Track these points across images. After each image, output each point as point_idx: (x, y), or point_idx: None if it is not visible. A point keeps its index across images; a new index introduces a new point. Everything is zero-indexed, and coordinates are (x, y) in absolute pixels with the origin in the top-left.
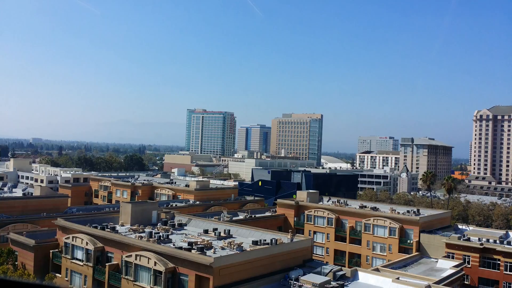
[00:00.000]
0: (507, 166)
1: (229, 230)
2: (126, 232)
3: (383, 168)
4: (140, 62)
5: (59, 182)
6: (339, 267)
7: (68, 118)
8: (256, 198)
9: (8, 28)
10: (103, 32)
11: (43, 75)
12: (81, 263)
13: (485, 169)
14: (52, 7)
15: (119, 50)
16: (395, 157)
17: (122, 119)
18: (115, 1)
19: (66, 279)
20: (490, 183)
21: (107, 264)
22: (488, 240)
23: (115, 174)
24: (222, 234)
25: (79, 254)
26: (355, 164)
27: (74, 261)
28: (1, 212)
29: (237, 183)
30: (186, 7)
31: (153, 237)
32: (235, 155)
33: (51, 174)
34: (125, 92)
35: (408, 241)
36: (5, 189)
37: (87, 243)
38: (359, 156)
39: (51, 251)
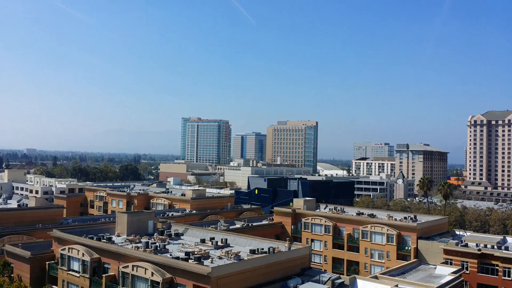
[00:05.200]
0: (503, 171)
1: (226, 239)
2: (122, 242)
3: (379, 174)
4: (134, 71)
5: (54, 192)
6: (338, 275)
7: (62, 128)
8: (252, 206)
9: (1, 39)
10: (97, 42)
11: (37, 85)
12: (78, 275)
13: (481, 175)
14: (46, 17)
15: (113, 59)
16: (391, 163)
17: (117, 129)
18: (108, 11)
19: None
20: (486, 188)
21: (103, 275)
22: (486, 246)
23: (111, 184)
24: (219, 243)
25: (76, 266)
26: (351, 171)
27: (70, 272)
28: None
29: (233, 191)
30: (180, 15)
31: (149, 247)
32: (231, 163)
33: (46, 185)
34: (119, 102)
35: (406, 247)
36: (0, 200)
37: (83, 254)
38: (355, 162)
39: (47, 262)
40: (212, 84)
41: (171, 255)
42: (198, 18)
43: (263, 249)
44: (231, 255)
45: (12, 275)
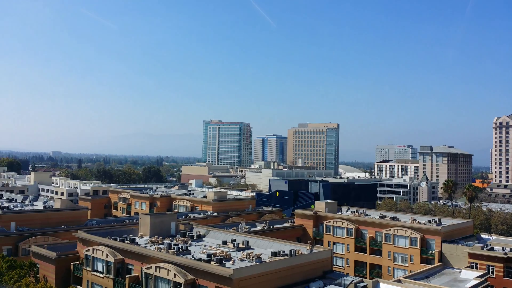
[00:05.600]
0: None
1: (248, 241)
2: (145, 244)
3: (402, 177)
4: (156, 74)
5: (79, 194)
6: (360, 278)
7: (86, 131)
8: (274, 208)
9: (27, 44)
10: (119, 46)
11: (62, 90)
12: (102, 275)
13: (507, 177)
14: (70, 22)
15: (135, 63)
16: (414, 166)
17: (140, 132)
18: (131, 16)
19: None
20: None
21: (127, 276)
22: None
23: (134, 186)
24: (240, 245)
25: (100, 266)
26: (373, 173)
27: (94, 273)
28: (22, 225)
29: (254, 193)
30: (200, 20)
31: (172, 248)
32: (252, 166)
33: (71, 187)
34: (142, 105)
35: (430, 251)
36: (26, 202)
37: (107, 255)
38: (377, 165)
39: (72, 263)
40: (233, 87)
41: (193, 256)
42: (219, 22)
43: (284, 251)
44: (253, 257)
45: (38, 275)
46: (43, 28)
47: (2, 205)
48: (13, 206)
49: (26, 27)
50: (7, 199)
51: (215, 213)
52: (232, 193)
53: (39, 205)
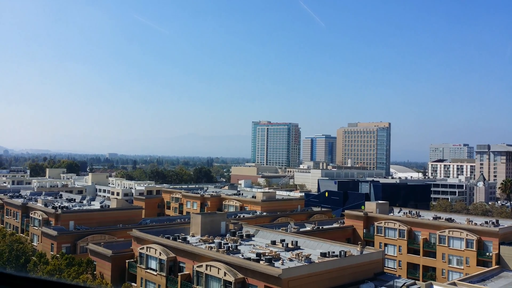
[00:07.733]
0: None
1: (297, 242)
2: (196, 242)
3: (457, 177)
4: (206, 77)
5: (133, 194)
6: (413, 281)
7: (141, 133)
8: (323, 209)
9: (88, 49)
10: (171, 51)
11: (118, 94)
12: (155, 273)
13: None
14: (126, 29)
15: (187, 67)
16: (471, 165)
17: (191, 133)
18: (181, 21)
19: None
20: None
21: (179, 274)
22: None
23: (186, 186)
24: (289, 245)
25: (153, 264)
26: (427, 173)
27: (148, 270)
28: (81, 224)
29: (303, 194)
30: (248, 21)
31: (222, 247)
32: (301, 166)
33: (126, 187)
34: (193, 107)
35: (487, 253)
36: (84, 202)
37: (160, 253)
38: (431, 165)
39: (127, 261)
40: (281, 88)
41: (242, 256)
42: (267, 23)
43: (334, 252)
44: (302, 257)
45: (95, 272)
46: (103, 34)
47: (62, 205)
48: (72, 206)
49: (88, 34)
50: (67, 199)
51: (264, 213)
52: (280, 193)
53: (96, 205)
